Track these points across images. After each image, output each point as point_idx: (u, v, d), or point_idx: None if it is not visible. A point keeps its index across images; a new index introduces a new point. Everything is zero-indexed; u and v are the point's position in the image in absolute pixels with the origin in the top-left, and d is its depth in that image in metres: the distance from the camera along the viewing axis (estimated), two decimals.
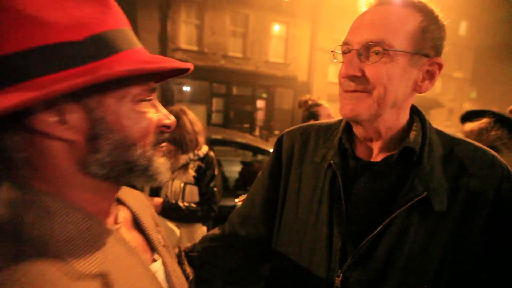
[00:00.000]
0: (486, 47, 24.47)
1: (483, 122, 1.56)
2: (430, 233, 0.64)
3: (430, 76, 0.68)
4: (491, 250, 0.62)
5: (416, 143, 0.68)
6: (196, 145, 1.87)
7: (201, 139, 1.90)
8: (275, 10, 13.66)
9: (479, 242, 0.62)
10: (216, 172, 1.93)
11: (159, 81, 0.55)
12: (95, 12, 0.42)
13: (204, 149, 1.92)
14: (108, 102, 0.43)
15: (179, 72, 0.52)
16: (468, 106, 22.51)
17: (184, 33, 12.42)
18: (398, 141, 0.71)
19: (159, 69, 0.44)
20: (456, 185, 0.65)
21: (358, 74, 0.65)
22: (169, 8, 11.85)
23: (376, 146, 0.73)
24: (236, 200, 2.35)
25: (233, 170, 4.02)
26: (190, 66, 0.51)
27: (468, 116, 1.69)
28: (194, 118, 1.90)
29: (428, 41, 0.65)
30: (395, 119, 0.70)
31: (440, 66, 0.68)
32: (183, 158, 1.84)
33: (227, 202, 2.49)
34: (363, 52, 0.65)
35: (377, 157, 0.73)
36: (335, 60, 0.72)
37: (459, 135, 0.75)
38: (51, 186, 0.43)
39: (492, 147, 1.53)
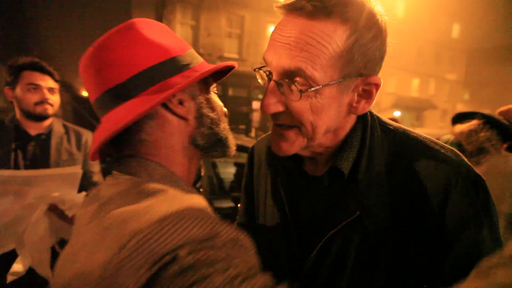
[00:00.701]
0: (478, 50, 24.81)
1: (472, 123, 1.59)
2: (373, 250, 0.58)
3: (367, 95, 0.58)
4: (445, 256, 0.54)
5: (347, 160, 0.62)
6: None
7: None
8: (270, 12, 13.69)
9: (430, 249, 0.55)
10: (202, 173, 1.92)
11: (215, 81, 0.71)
12: (177, 39, 0.62)
13: None
14: (203, 91, 0.62)
15: (228, 71, 0.69)
16: (461, 108, 22.81)
17: (180, 34, 12.38)
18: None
19: (224, 66, 0.63)
20: (400, 194, 0.57)
21: (281, 109, 0.58)
22: (165, 9, 11.81)
23: (320, 161, 0.69)
24: (239, 205, 2.35)
25: (229, 171, 4.01)
26: (235, 64, 0.67)
27: (458, 118, 1.72)
28: None
29: (359, 59, 0.54)
30: (332, 139, 0.64)
31: (377, 86, 0.57)
32: None
33: (223, 204, 2.48)
34: (282, 83, 0.56)
35: (323, 171, 0.67)
36: (260, 81, 0.64)
37: (414, 131, 0.65)
38: (162, 160, 0.58)
39: (481, 148, 1.55)
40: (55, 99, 1.57)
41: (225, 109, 0.69)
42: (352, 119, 0.64)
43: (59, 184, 1.39)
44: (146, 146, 0.57)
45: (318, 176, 0.68)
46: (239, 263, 0.41)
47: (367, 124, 0.64)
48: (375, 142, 0.63)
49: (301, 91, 0.54)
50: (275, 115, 0.60)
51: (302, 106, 0.56)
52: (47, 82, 1.53)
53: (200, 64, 0.63)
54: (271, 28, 14.60)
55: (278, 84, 0.56)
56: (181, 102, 0.58)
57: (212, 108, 0.63)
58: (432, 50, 22.14)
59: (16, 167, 1.51)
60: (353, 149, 0.63)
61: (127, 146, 0.57)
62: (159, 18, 11.77)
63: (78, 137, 1.72)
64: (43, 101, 1.51)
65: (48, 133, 1.62)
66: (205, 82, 0.63)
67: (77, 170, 1.46)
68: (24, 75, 1.49)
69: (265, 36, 14.06)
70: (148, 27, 0.58)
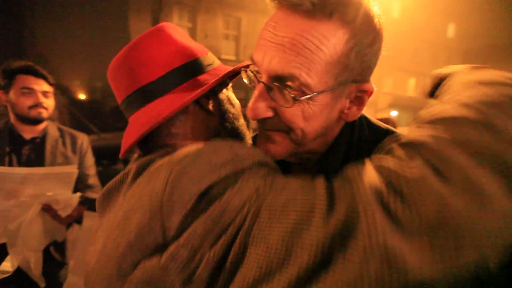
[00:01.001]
0: (473, 49, 24.98)
1: None
2: None
3: (359, 102, 0.56)
4: None
5: (335, 164, 0.59)
6: None
7: None
8: (267, 13, 13.66)
9: None
10: None
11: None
12: (196, 42, 0.65)
13: None
14: (224, 89, 0.67)
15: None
16: None
17: None
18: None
19: (241, 66, 0.65)
20: None
21: (269, 114, 0.54)
22: (161, 12, 11.80)
23: (308, 166, 0.66)
24: None
25: None
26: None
27: None
28: None
29: (356, 66, 0.50)
30: (321, 144, 0.61)
31: (369, 93, 0.55)
32: None
33: None
34: (273, 87, 0.52)
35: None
36: (245, 80, 0.59)
37: (397, 129, 0.65)
38: None
39: None
40: (49, 102, 1.56)
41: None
42: (341, 124, 0.61)
43: (54, 183, 1.38)
44: (175, 138, 0.59)
45: None
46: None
47: (354, 126, 0.62)
48: (363, 144, 0.60)
49: (294, 98, 0.50)
50: (262, 120, 0.56)
51: (293, 112, 0.52)
52: (41, 86, 1.52)
53: (220, 65, 0.68)
54: None
55: (268, 88, 0.52)
56: (207, 98, 0.62)
57: (233, 104, 0.67)
58: (428, 49, 22.28)
59: None
60: (340, 153, 0.60)
61: (155, 140, 0.59)
62: (156, 21, 11.76)
63: (73, 140, 1.71)
64: (37, 105, 1.51)
65: (43, 137, 1.60)
66: (225, 81, 0.67)
67: (73, 169, 1.45)
68: (18, 79, 1.48)
69: None
70: (174, 30, 0.62)
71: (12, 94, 1.48)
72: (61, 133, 1.68)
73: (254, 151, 0.51)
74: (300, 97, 0.50)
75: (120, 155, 0.60)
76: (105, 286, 0.46)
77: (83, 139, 1.75)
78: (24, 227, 1.31)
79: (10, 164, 1.50)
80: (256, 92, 0.53)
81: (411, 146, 0.40)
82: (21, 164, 1.52)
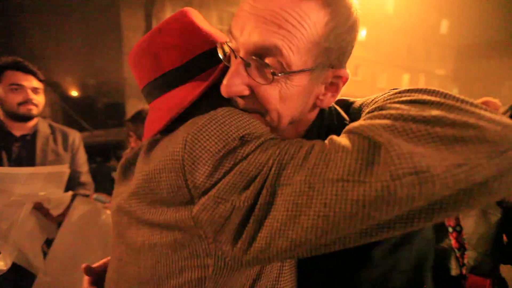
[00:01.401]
0: (467, 45, 25.19)
1: None
2: None
3: (334, 88, 0.55)
4: None
5: None
6: None
7: None
8: None
9: None
10: None
11: None
12: (216, 29, 0.64)
13: None
14: None
15: None
16: None
17: None
18: None
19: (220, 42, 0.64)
20: None
21: (246, 92, 0.51)
22: (154, 6, 11.66)
23: None
24: None
25: None
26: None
27: None
28: None
29: (334, 49, 0.49)
30: (293, 133, 0.60)
31: (344, 80, 0.54)
32: None
33: None
34: (251, 62, 0.48)
35: None
36: (221, 57, 0.55)
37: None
38: None
39: None
40: (39, 99, 1.54)
41: None
42: (315, 113, 0.60)
43: (45, 183, 1.37)
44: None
45: None
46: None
47: (324, 115, 0.60)
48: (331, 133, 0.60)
49: (273, 74, 0.47)
50: (237, 99, 0.53)
51: (270, 91, 0.49)
52: (31, 82, 1.49)
53: None
54: None
55: (245, 63, 0.48)
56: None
57: None
58: (422, 46, 22.41)
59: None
60: None
61: (178, 125, 0.58)
62: (149, 16, 11.63)
63: (65, 137, 1.68)
64: (27, 101, 1.48)
65: (33, 134, 1.58)
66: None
67: (64, 169, 1.43)
68: (6, 75, 1.45)
69: None
70: (196, 16, 0.61)
71: (0, 91, 1.45)
72: (52, 130, 1.65)
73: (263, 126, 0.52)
74: (279, 73, 0.47)
75: (148, 136, 0.59)
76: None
77: (75, 136, 1.73)
78: (17, 226, 1.30)
79: (0, 162, 1.47)
80: (232, 68, 0.50)
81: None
82: (11, 161, 1.50)
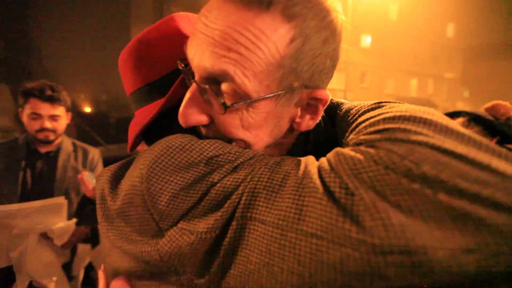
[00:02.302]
0: (474, 47, 24.93)
1: (458, 121, 1.63)
2: None
3: (312, 110, 0.47)
4: None
5: None
6: None
7: None
8: None
9: None
10: None
11: None
12: None
13: None
14: None
15: None
16: (461, 105, 22.75)
17: None
18: None
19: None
20: None
21: (204, 121, 0.45)
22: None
23: None
24: None
25: None
26: None
27: None
28: None
29: (305, 69, 0.41)
30: (275, 152, 0.53)
31: (323, 102, 0.45)
32: None
33: None
34: (206, 89, 0.42)
35: None
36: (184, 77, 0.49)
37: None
38: None
39: None
40: (58, 125, 1.60)
41: None
42: (293, 136, 0.53)
43: (44, 216, 1.40)
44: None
45: None
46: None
47: (309, 133, 0.53)
48: (317, 150, 0.52)
49: (224, 105, 0.40)
50: (198, 127, 0.47)
51: (230, 121, 0.43)
52: (49, 110, 1.55)
53: None
54: None
55: (201, 89, 0.42)
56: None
57: None
58: (428, 50, 22.27)
59: (24, 183, 1.55)
60: None
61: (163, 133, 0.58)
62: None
63: (85, 154, 1.76)
64: (43, 129, 1.55)
65: (57, 151, 1.66)
66: None
67: (61, 200, 1.46)
68: (30, 101, 1.53)
69: None
70: (185, 22, 0.57)
71: (24, 116, 1.55)
72: (75, 147, 1.74)
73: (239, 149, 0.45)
74: (234, 103, 0.41)
75: (128, 150, 0.60)
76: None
77: (95, 153, 1.81)
78: (29, 257, 1.34)
79: (24, 177, 1.55)
80: (188, 94, 0.44)
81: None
82: (34, 178, 1.58)
